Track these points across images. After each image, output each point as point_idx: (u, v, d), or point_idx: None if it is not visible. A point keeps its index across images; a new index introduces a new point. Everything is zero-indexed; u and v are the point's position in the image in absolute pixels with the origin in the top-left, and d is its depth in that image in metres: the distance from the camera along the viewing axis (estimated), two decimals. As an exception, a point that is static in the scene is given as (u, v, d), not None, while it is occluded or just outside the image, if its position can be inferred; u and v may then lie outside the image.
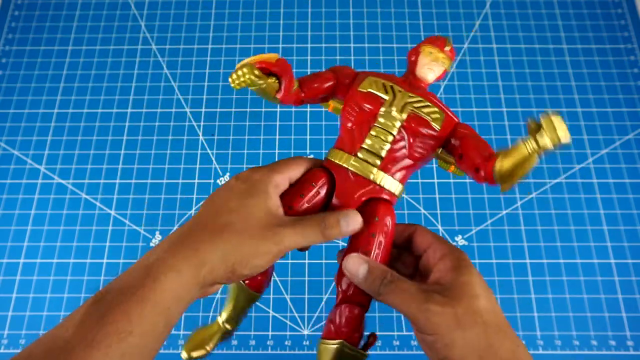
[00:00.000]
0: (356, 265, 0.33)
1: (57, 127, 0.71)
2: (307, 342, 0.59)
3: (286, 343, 0.59)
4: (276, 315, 0.60)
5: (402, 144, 0.35)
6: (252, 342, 0.59)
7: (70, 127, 0.71)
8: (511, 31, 0.77)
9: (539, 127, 0.29)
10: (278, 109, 0.72)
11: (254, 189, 0.32)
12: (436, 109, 0.35)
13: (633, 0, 0.79)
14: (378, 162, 0.35)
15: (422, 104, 0.35)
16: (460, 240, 0.64)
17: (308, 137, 0.70)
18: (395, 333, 0.59)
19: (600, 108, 0.72)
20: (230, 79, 0.33)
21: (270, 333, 0.59)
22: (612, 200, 0.66)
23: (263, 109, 0.72)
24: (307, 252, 0.59)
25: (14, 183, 0.68)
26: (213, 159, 0.69)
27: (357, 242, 0.35)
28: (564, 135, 0.28)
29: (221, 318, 0.39)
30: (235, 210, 0.31)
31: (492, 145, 0.33)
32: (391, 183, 0.35)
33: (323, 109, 0.72)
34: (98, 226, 0.65)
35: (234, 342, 0.59)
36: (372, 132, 0.35)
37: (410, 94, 0.35)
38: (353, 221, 0.34)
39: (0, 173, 0.68)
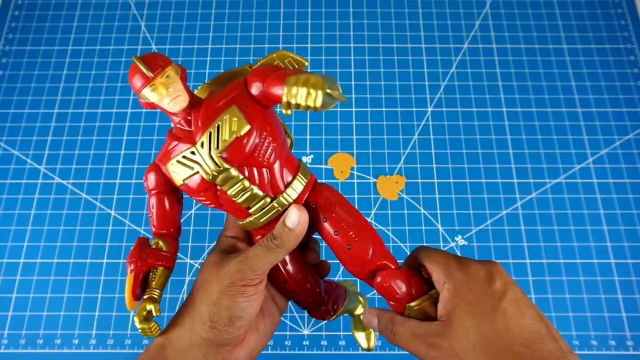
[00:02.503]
0: (369, 320, 0.36)
1: (57, 127, 0.71)
2: (307, 342, 0.59)
3: (286, 343, 0.59)
4: (276, 315, 0.60)
5: (257, 172, 0.31)
6: (252, 342, 0.59)
7: (70, 127, 0.71)
8: (511, 31, 0.77)
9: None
10: (277, 109, 0.72)
11: (212, 256, 0.35)
12: (227, 116, 0.30)
13: (633, 0, 0.79)
14: (268, 199, 0.32)
15: (216, 134, 0.30)
16: (460, 240, 0.64)
17: (308, 137, 0.70)
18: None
19: (600, 108, 0.72)
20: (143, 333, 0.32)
21: (270, 333, 0.59)
22: (612, 200, 0.66)
23: (263, 109, 0.72)
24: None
25: (14, 183, 0.68)
26: (213, 159, 0.69)
27: (336, 249, 0.34)
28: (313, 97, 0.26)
29: (359, 315, 0.45)
30: (200, 279, 0.34)
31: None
32: (291, 191, 0.33)
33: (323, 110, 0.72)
34: (98, 226, 0.65)
35: (234, 342, 0.59)
36: (231, 193, 0.31)
37: (202, 141, 0.30)
38: (293, 215, 0.32)
39: (0, 173, 0.68)
